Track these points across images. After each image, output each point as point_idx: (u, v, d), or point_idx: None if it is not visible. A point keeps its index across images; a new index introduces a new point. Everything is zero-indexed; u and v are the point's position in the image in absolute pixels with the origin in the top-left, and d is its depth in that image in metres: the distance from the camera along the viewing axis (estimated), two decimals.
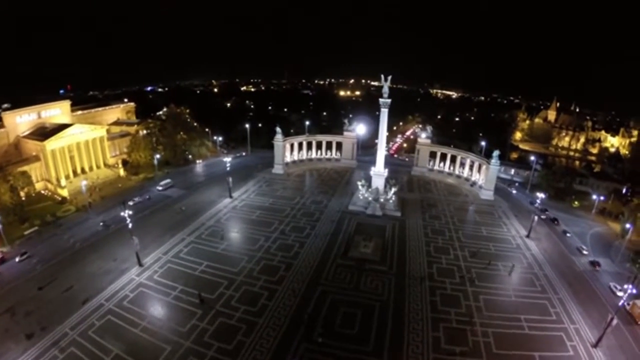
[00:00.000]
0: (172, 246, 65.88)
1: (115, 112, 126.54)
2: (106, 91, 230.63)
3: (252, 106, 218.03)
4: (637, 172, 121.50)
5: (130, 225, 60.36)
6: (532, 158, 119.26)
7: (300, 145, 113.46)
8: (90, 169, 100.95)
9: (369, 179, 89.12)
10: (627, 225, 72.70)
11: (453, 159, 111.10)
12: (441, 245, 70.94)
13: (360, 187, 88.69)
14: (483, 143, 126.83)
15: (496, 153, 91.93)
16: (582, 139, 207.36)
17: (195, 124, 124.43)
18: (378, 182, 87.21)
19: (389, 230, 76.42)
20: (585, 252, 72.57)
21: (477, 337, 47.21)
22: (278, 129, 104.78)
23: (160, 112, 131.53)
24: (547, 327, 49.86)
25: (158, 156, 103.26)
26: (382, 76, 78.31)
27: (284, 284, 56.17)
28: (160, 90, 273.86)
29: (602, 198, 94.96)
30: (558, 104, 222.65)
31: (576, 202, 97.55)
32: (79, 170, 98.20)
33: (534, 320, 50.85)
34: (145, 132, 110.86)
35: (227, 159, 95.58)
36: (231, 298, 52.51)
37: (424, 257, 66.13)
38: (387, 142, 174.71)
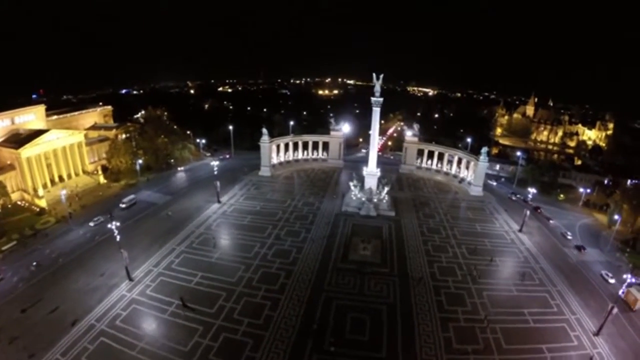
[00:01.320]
0: (163, 257, 63.31)
1: (92, 116, 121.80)
2: (80, 95, 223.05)
3: (230, 107, 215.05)
4: (615, 164, 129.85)
5: (118, 238, 57.50)
6: (518, 153, 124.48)
7: (286, 146, 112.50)
8: (69, 176, 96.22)
9: (360, 179, 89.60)
10: (616, 217, 77.16)
11: (440, 156, 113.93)
12: (439, 243, 72.36)
13: (352, 187, 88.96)
14: (469, 140, 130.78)
15: (484, 149, 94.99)
16: (560, 133, 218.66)
17: (175, 127, 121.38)
18: (371, 182, 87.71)
19: (385, 230, 77.12)
20: (569, 237, 77.61)
21: (486, 335, 48.47)
22: (264, 130, 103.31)
23: (138, 115, 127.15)
24: (550, 319, 52.06)
25: (140, 161, 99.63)
26: (374, 75, 78.94)
27: (287, 292, 55.23)
28: (135, 93, 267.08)
29: (588, 191, 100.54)
30: (536, 99, 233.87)
31: (561, 196, 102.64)
32: (56, 179, 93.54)
33: (537, 314, 52.96)
34: (124, 136, 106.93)
35: (215, 163, 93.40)
36: (233, 311, 50.93)
37: (423, 256, 67.17)
38: (366, 141, 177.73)
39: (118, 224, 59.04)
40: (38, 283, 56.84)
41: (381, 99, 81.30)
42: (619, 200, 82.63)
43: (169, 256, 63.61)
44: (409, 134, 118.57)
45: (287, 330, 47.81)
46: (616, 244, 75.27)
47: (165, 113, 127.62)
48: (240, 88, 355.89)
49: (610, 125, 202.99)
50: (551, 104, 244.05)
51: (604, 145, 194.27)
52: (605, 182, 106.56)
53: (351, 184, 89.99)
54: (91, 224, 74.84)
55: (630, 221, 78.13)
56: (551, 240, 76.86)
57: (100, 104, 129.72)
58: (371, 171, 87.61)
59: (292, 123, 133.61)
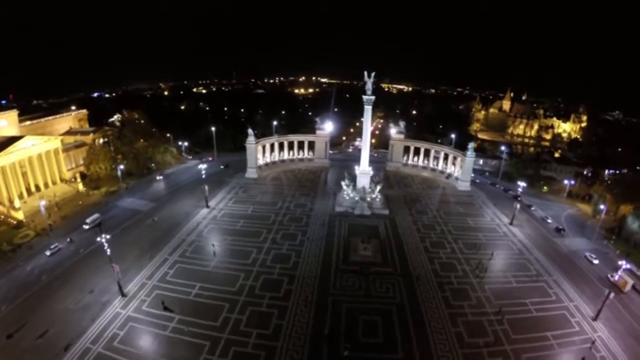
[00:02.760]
0: (155, 268, 60.91)
1: (67, 120, 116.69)
2: (50, 99, 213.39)
3: (207, 108, 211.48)
4: (591, 156, 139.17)
5: (108, 252, 54.72)
6: (503, 148, 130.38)
7: (272, 146, 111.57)
8: (46, 185, 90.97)
9: (352, 178, 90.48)
10: (602, 207, 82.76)
11: (427, 153, 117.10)
12: (435, 240, 74.43)
13: (344, 187, 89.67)
14: (452, 135, 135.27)
15: (471, 145, 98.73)
16: (536, 126, 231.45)
17: (154, 130, 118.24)
18: (363, 180, 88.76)
19: (382, 229, 78.34)
20: (549, 221, 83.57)
21: (494, 327, 50.53)
22: (250, 131, 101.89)
23: (114, 119, 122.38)
24: (551, 308, 55.15)
25: (122, 167, 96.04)
26: (365, 73, 79.59)
27: (292, 299, 54.65)
28: (107, 96, 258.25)
29: (572, 182, 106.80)
30: (512, 94, 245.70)
31: (545, 187, 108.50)
32: (33, 188, 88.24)
33: (538, 303, 55.91)
34: (102, 141, 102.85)
35: (202, 166, 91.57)
36: (239, 323, 49.54)
37: (422, 253, 68.85)
38: (352, 140, 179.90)
39: (108, 236, 56.11)
40: (22, 304, 53.08)
41: (373, 97, 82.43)
42: (602, 190, 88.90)
43: (162, 267, 61.34)
44: (394, 131, 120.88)
45: (299, 338, 47.30)
46: (601, 232, 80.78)
47: (144, 116, 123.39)
48: (214, 89, 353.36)
49: (584, 118, 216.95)
50: (524, 98, 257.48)
51: (579, 137, 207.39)
52: (585, 172, 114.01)
53: (343, 183, 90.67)
54: (68, 239, 70.96)
55: (613, 210, 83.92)
56: (541, 232, 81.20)
57: (73, 108, 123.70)
58: (364, 170, 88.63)
59: (275, 123, 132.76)
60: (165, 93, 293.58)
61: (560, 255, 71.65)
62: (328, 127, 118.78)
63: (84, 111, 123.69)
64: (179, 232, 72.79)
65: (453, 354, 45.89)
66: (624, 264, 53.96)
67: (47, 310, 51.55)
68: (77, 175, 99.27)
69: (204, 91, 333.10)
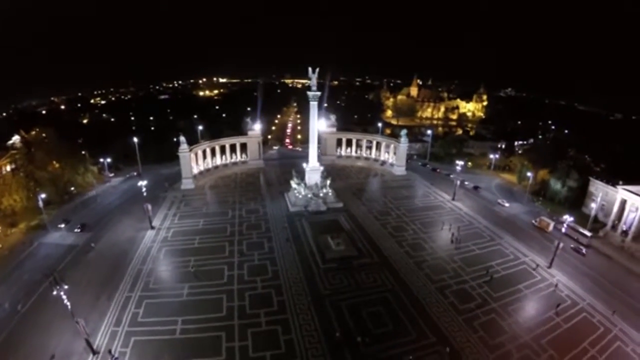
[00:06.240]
0: (120, 311, 52.44)
1: None
2: None
3: (112, 119, 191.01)
4: (503, 131, 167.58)
5: (69, 306, 45.05)
6: (429, 132, 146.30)
7: (204, 152, 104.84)
8: None
9: (299, 176, 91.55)
10: (528, 174, 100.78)
11: (358, 143, 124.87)
12: (395, 224, 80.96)
13: (295, 185, 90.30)
14: (380, 124, 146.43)
15: (404, 132, 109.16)
16: (442, 108, 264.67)
17: (70, 148, 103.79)
18: (314, 177, 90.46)
19: (343, 222, 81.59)
20: (467, 183, 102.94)
21: (477, 290, 58.54)
22: (182, 138, 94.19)
23: (12, 141, 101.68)
24: (513, 265, 66.23)
25: (43, 195, 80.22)
26: (310, 69, 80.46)
27: (289, 309, 53.45)
28: None
29: (497, 156, 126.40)
30: (419, 81, 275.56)
31: (470, 163, 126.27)
32: None
33: (502, 263, 66.59)
34: (10, 167, 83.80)
35: (142, 182, 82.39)
36: (245, 350, 46.17)
37: (390, 238, 74.41)
38: (276, 137, 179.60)
39: (66, 286, 45.92)
40: None
41: (318, 93, 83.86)
42: (522, 160, 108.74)
43: (127, 308, 53.08)
44: (324, 125, 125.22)
45: (316, 348, 46.82)
46: (528, 196, 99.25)
47: (52, 134, 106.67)
48: (113, 98, 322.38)
49: (485, 97, 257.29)
50: (430, 83, 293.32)
51: (482, 115, 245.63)
52: (499, 146, 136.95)
53: (292, 182, 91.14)
54: None
55: (533, 175, 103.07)
56: (480, 202, 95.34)
57: None
58: (314, 166, 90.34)
59: (200, 128, 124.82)
60: (62, 107, 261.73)
61: (502, 219, 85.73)
62: (257, 127, 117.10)
63: None
64: (130, 262, 64.09)
65: (455, 321, 51.79)
66: (567, 217, 71.94)
67: None
68: None
69: (102, 102, 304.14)
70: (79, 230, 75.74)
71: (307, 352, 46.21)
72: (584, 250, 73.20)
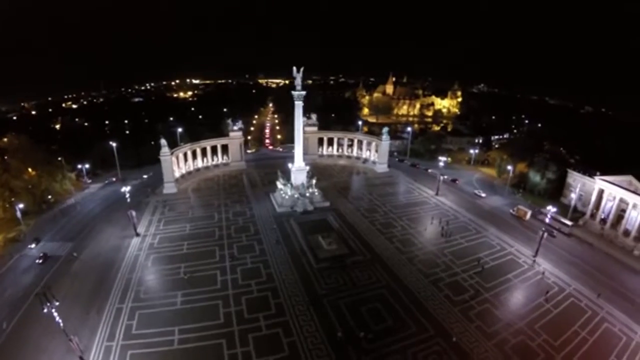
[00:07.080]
0: (112, 324, 50.26)
1: None
2: None
3: (85, 124, 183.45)
4: (479, 126, 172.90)
5: (61, 324, 42.78)
6: (409, 129, 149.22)
7: (185, 155, 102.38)
8: None
9: (285, 177, 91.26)
10: (508, 167, 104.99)
11: (340, 142, 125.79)
12: (383, 221, 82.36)
13: (281, 186, 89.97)
14: (360, 122, 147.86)
15: (385, 129, 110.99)
16: (418, 105, 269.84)
17: (46, 155, 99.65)
18: (300, 177, 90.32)
19: (332, 221, 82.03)
20: (445, 177, 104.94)
21: (469, 282, 60.74)
22: (163, 141, 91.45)
23: None
24: (500, 256, 69.13)
25: (21, 206, 76.76)
26: (294, 68, 79.98)
27: (288, 312, 53.23)
28: None
29: (476, 151, 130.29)
30: (394, 79, 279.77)
31: (449, 159, 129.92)
32: None
33: (490, 254, 69.30)
34: None
35: (126, 188, 79.93)
36: (248, 356, 45.56)
37: (379, 235, 75.63)
38: (255, 138, 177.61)
39: (57, 302, 43.53)
40: None
41: (304, 92, 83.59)
42: (501, 154, 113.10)
43: (119, 320, 50.93)
44: (306, 124, 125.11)
45: (320, 349, 46.90)
46: (509, 188, 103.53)
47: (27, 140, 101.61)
48: (85, 102, 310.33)
49: (459, 93, 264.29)
50: (404, 80, 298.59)
51: (457, 111, 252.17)
52: (477, 141, 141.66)
53: (279, 183, 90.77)
54: None
55: (512, 168, 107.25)
56: (462, 196, 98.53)
57: None
58: (299, 166, 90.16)
59: (180, 130, 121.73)
60: (33, 112, 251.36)
61: (486, 212, 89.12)
62: (239, 128, 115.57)
63: None
64: (118, 272, 61.64)
65: (452, 313, 53.54)
66: (550, 208, 76.47)
67: None
68: None
69: (74, 106, 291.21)
70: (40, 262, 64.72)
71: (311, 352, 46.21)
72: (554, 233, 78.81)
